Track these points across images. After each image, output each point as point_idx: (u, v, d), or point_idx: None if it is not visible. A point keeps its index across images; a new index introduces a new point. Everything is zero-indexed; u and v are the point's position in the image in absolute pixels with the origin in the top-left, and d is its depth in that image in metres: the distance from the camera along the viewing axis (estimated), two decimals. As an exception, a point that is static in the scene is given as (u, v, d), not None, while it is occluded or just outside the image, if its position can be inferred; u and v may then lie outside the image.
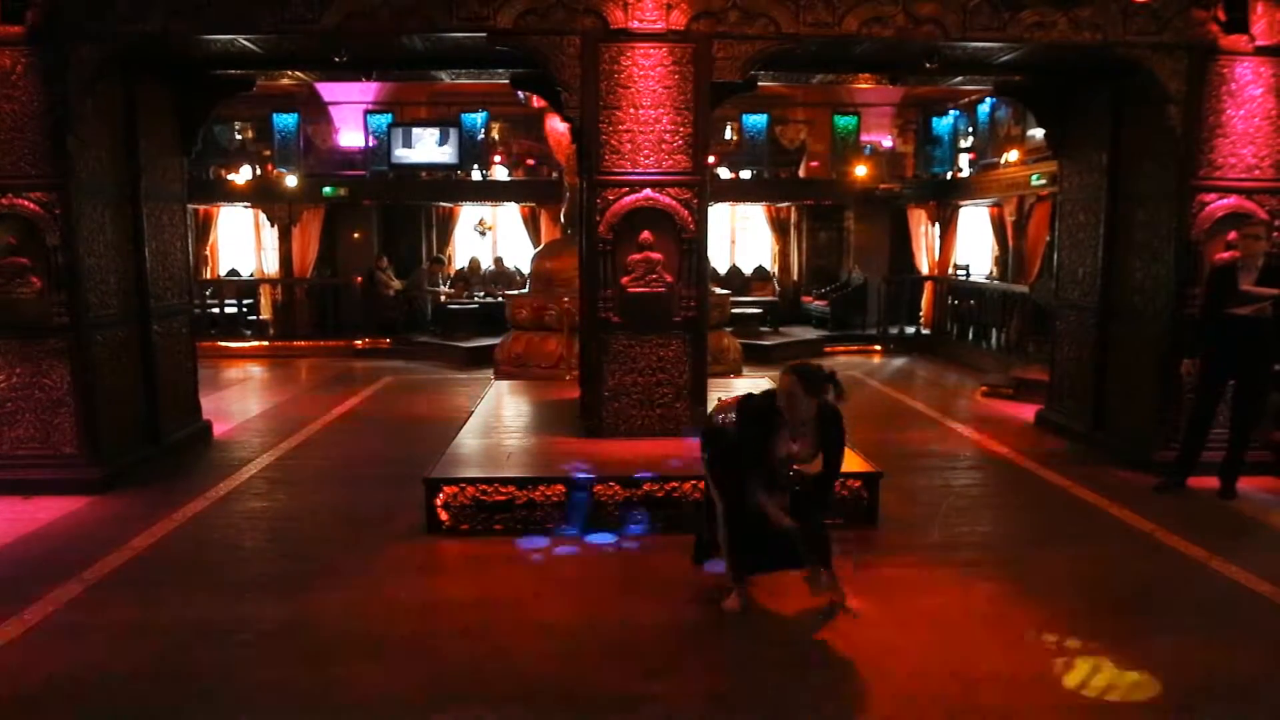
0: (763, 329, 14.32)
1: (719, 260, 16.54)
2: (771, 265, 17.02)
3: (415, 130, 14.80)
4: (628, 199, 6.39)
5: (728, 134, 15.98)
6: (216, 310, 14.55)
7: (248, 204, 15.08)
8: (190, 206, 10.31)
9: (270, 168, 14.95)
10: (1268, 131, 6.66)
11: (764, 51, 6.34)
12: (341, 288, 14.98)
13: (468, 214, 16.47)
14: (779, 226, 16.82)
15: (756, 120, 15.47)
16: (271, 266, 15.34)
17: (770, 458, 4.20)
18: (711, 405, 6.40)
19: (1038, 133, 11.37)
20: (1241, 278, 6.12)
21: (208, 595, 4.71)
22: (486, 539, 5.51)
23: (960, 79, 8.09)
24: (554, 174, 13.54)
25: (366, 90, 15.09)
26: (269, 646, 4.15)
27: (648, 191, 6.39)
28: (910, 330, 14.70)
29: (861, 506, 5.71)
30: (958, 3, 6.33)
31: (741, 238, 17.53)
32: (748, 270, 17.05)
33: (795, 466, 4.27)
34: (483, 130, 15.04)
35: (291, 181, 14.32)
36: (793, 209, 16.58)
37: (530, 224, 16.02)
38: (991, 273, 14.83)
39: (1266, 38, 6.55)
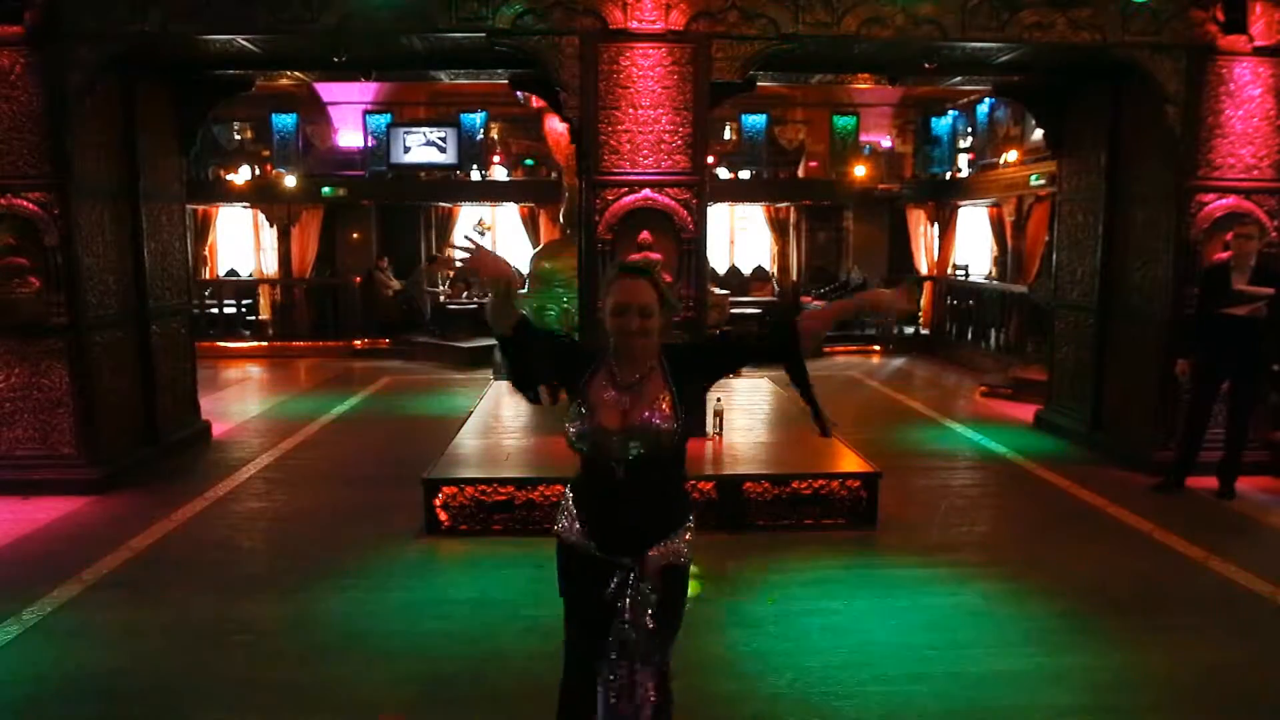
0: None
1: (718, 260, 16.54)
2: (771, 265, 17.02)
3: (414, 130, 14.79)
4: (627, 199, 6.39)
5: (727, 134, 15.98)
6: (215, 310, 14.54)
7: (247, 204, 15.05)
8: (189, 207, 10.30)
9: (269, 168, 14.93)
10: (1266, 131, 6.67)
11: (763, 52, 6.35)
12: (340, 288, 14.96)
13: (467, 214, 16.47)
14: (778, 227, 16.80)
15: (755, 120, 15.45)
16: (270, 267, 15.32)
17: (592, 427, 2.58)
18: (713, 404, 6.45)
19: (1037, 133, 11.38)
20: (1235, 278, 6.12)
21: (207, 595, 4.70)
22: (486, 539, 5.51)
23: (959, 79, 8.10)
24: (553, 174, 13.53)
25: (365, 90, 15.07)
26: (269, 646, 4.15)
27: (647, 192, 6.39)
28: (909, 330, 14.70)
29: (861, 507, 5.72)
30: (957, 3, 6.33)
31: (741, 238, 17.52)
32: (747, 270, 17.05)
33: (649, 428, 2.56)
34: (482, 130, 15.03)
35: (290, 182, 14.30)
36: (792, 209, 16.57)
37: (529, 224, 16.02)
38: (990, 273, 14.83)
39: (1265, 38, 6.56)
